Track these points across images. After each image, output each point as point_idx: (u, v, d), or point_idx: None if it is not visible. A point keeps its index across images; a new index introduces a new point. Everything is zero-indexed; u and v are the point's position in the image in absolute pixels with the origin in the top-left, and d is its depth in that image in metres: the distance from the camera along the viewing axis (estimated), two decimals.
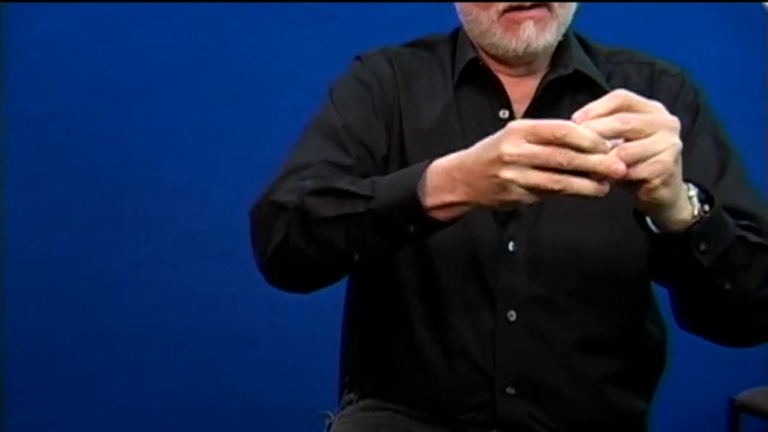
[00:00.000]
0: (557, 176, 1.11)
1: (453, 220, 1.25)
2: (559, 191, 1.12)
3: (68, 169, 2.53)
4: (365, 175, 1.38)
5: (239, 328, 2.58)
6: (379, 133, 1.44)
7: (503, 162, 1.13)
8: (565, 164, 1.10)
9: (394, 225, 1.25)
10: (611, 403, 1.43)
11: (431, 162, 1.24)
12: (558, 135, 1.10)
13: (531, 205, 1.21)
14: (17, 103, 2.49)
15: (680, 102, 1.44)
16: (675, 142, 1.14)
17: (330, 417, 1.56)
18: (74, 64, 2.52)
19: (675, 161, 1.15)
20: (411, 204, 1.23)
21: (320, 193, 1.30)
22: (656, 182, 1.14)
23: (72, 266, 2.53)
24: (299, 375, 2.55)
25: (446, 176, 1.21)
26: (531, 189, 1.13)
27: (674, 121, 1.15)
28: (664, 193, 1.16)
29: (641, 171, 1.13)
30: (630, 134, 1.12)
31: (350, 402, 1.55)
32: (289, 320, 2.44)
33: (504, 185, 1.14)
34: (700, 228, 1.21)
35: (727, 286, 1.26)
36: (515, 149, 1.12)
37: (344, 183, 1.31)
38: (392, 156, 1.44)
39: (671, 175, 1.15)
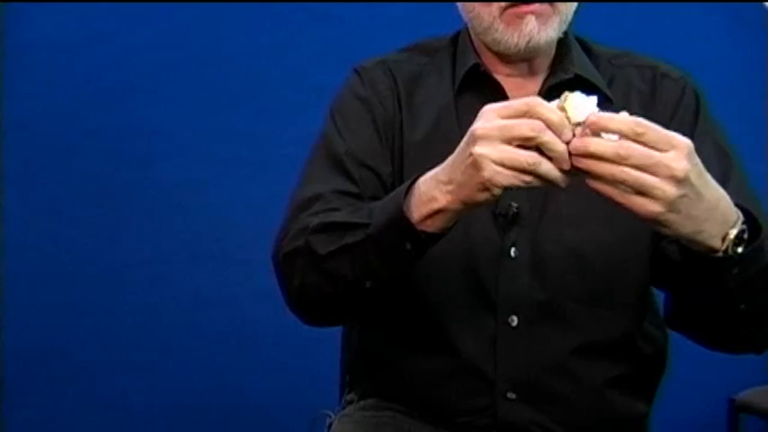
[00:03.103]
0: (527, 152, 1.12)
1: (444, 232, 1.25)
2: (529, 171, 1.12)
3: (68, 169, 2.53)
4: (373, 198, 1.40)
5: (239, 327, 2.58)
6: (383, 152, 1.45)
7: (475, 138, 1.15)
8: (533, 135, 1.11)
9: (391, 246, 1.27)
10: (612, 407, 1.43)
11: (418, 177, 1.25)
12: (531, 104, 1.12)
13: (517, 208, 1.28)
14: (17, 103, 2.49)
15: (681, 107, 1.44)
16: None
17: (330, 416, 1.56)
18: (74, 64, 2.52)
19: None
20: (400, 221, 1.25)
21: (322, 229, 1.33)
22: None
23: (72, 266, 2.54)
24: (300, 375, 2.55)
25: (431, 182, 1.23)
26: (503, 165, 1.13)
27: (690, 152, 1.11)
28: (670, 217, 1.12)
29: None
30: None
31: (350, 402, 1.55)
32: (289, 320, 2.42)
33: (477, 163, 1.14)
34: (739, 255, 1.18)
35: (743, 307, 1.25)
36: (487, 124, 1.14)
37: (343, 215, 1.34)
38: (395, 169, 1.45)
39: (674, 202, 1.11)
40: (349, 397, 1.56)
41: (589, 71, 1.45)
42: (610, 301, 1.41)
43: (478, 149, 1.14)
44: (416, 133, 1.45)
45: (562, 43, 1.46)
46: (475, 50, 1.48)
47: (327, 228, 1.33)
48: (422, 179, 1.25)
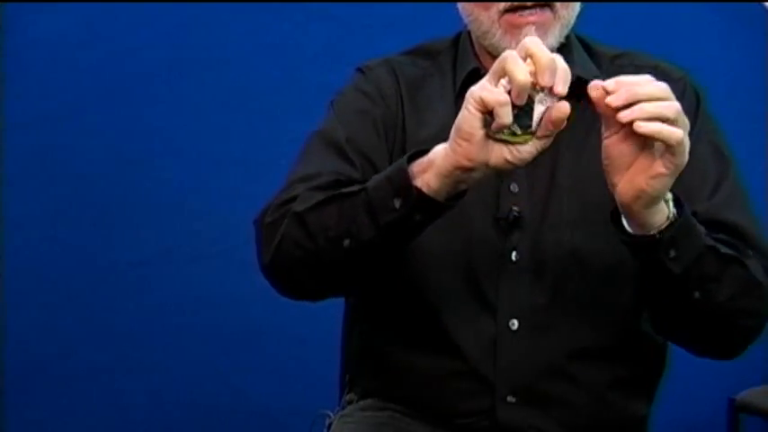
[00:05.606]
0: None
1: (436, 202, 1.24)
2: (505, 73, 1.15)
3: (68, 169, 2.53)
4: None
5: (240, 327, 2.58)
6: (380, 146, 1.44)
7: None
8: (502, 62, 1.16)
9: (381, 199, 1.26)
10: (613, 409, 1.43)
11: (427, 150, 1.26)
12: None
13: (518, 212, 1.32)
14: (17, 103, 2.49)
15: (681, 106, 1.44)
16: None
17: (330, 416, 1.56)
18: (74, 64, 2.52)
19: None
20: (398, 174, 1.25)
21: (322, 186, 1.33)
22: (679, 148, 1.17)
23: (72, 266, 2.53)
24: (300, 375, 2.55)
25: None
26: (481, 102, 1.16)
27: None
28: (681, 161, 1.18)
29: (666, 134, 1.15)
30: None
31: (350, 402, 1.55)
32: (289, 320, 2.44)
33: (466, 99, 1.17)
34: (670, 233, 1.23)
35: (697, 295, 1.28)
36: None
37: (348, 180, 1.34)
38: None
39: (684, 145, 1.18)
40: (349, 397, 1.56)
41: (590, 72, 1.44)
42: (609, 303, 1.41)
43: (471, 87, 1.18)
44: (417, 135, 1.45)
45: (563, 45, 1.44)
46: (475, 53, 1.48)
47: (329, 185, 1.33)
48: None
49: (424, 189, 1.23)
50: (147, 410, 2.58)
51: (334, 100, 1.50)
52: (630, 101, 1.16)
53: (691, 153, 1.37)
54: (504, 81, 1.16)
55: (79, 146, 2.53)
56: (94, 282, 2.55)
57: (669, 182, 1.20)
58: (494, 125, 1.17)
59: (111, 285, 2.55)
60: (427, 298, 1.42)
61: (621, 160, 1.21)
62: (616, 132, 1.20)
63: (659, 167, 1.19)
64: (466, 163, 1.19)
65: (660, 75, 1.45)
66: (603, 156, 1.22)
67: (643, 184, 1.19)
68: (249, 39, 2.57)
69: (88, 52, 2.52)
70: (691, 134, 1.40)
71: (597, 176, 1.29)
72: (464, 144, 1.19)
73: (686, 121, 1.18)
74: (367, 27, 2.54)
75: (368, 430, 1.47)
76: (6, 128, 2.49)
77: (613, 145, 1.21)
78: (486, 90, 1.16)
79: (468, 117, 1.17)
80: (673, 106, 1.17)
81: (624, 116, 1.16)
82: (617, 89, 1.17)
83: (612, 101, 1.16)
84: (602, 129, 1.21)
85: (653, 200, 1.21)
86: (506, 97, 1.15)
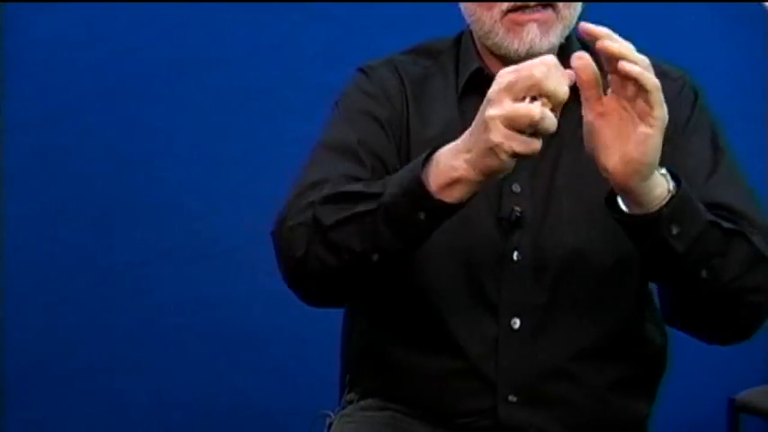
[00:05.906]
0: (528, 105, 1.15)
1: (460, 204, 1.24)
2: (534, 125, 1.15)
3: (68, 169, 2.53)
4: None
5: (240, 327, 2.58)
6: (389, 147, 1.43)
7: (488, 101, 1.18)
8: (537, 78, 1.16)
9: (404, 216, 1.25)
10: (614, 409, 1.43)
11: (436, 148, 1.25)
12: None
13: (520, 212, 1.32)
14: (17, 103, 2.49)
15: (678, 103, 1.44)
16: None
17: (330, 416, 1.56)
18: (74, 64, 2.52)
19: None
20: (416, 190, 1.23)
21: (331, 199, 1.31)
22: (656, 94, 1.17)
23: (72, 266, 2.53)
24: (300, 375, 2.55)
25: (451, 152, 1.22)
26: (510, 124, 1.15)
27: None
28: (661, 113, 1.18)
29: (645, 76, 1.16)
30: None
31: (350, 402, 1.55)
32: (289, 320, 2.44)
33: (488, 126, 1.16)
34: (669, 210, 1.22)
35: (704, 274, 1.26)
36: (497, 85, 1.17)
37: (355, 186, 1.32)
38: (402, 166, 1.43)
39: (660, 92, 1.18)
40: (349, 397, 1.56)
41: None
42: (611, 303, 1.41)
43: (489, 112, 1.16)
44: (421, 135, 1.45)
45: (564, 45, 1.45)
46: (477, 53, 1.48)
47: (337, 197, 1.31)
48: (441, 150, 1.24)
49: (449, 200, 1.23)
50: (147, 410, 2.58)
51: (338, 101, 1.49)
52: (606, 36, 1.18)
53: (687, 144, 1.37)
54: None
55: (79, 146, 2.53)
56: (94, 282, 2.55)
57: (657, 143, 1.18)
58: None
59: (111, 285, 2.55)
60: (428, 297, 1.42)
61: (604, 136, 1.20)
62: (593, 108, 1.21)
63: (643, 127, 1.18)
64: (499, 177, 1.23)
65: (660, 75, 1.45)
66: (586, 138, 1.22)
67: (633, 153, 1.18)
68: (249, 39, 2.57)
69: (88, 52, 2.52)
70: (687, 126, 1.40)
71: (598, 176, 1.29)
72: (500, 175, 1.22)
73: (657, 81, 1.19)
74: (367, 27, 2.54)
75: (368, 430, 1.47)
76: (6, 128, 2.50)
77: (595, 119, 1.21)
78: (517, 142, 1.16)
79: (503, 165, 1.19)
80: (645, 59, 1.19)
81: (607, 46, 1.17)
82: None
83: (587, 27, 1.19)
84: (583, 110, 1.21)
85: (646, 169, 1.19)
86: (539, 146, 1.18)
